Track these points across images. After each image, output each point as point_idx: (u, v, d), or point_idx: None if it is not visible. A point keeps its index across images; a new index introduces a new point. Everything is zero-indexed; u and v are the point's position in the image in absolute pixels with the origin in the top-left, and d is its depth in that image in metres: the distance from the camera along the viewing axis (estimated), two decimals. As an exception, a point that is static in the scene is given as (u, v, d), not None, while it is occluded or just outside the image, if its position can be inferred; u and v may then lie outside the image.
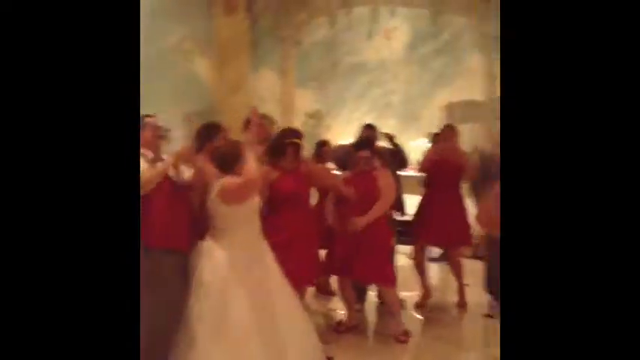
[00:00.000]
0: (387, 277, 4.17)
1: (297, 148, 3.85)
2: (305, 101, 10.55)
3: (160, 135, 3.52)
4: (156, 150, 3.42)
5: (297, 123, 10.48)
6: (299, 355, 3.14)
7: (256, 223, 3.27)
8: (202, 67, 9.44)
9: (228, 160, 3.17)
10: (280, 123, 10.41)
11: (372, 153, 4.23)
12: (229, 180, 3.13)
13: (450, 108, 9.96)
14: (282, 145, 3.81)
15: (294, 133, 3.96)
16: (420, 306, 5.11)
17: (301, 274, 3.65)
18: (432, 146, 5.44)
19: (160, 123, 3.52)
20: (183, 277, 3.11)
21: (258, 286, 3.11)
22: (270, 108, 10.55)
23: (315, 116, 10.40)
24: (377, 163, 4.23)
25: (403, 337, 4.11)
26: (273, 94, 10.44)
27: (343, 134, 9.25)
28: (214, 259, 3.07)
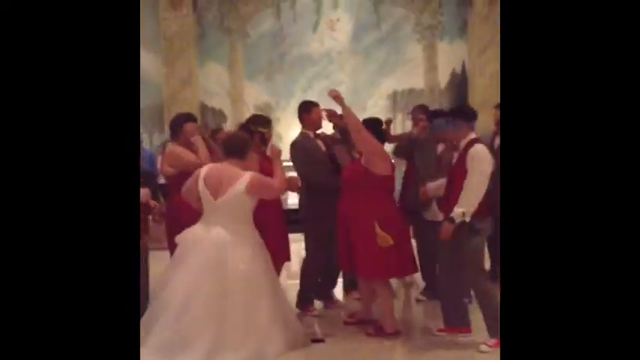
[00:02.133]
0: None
1: (263, 135, 4.14)
2: (254, 94, 10.67)
3: None
4: None
5: (247, 116, 10.57)
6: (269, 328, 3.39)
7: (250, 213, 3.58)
8: (150, 62, 9.45)
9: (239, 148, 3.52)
10: (230, 116, 10.57)
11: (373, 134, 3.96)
12: (259, 176, 3.46)
13: (395, 96, 10.30)
14: (251, 132, 4.09)
15: (259, 121, 4.25)
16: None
17: (278, 251, 4.02)
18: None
19: None
20: None
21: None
22: (219, 101, 10.65)
23: (265, 109, 10.53)
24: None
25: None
26: (222, 88, 10.53)
27: (292, 126, 9.42)
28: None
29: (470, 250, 3.60)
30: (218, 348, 3.25)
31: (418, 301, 4.81)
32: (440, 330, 3.92)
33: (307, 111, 4.51)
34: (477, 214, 3.53)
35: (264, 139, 4.19)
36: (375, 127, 4.06)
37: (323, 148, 4.54)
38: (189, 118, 4.25)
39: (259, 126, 4.17)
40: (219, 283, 3.32)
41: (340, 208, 3.99)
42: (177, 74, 9.70)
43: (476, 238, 3.59)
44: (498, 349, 3.39)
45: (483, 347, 3.59)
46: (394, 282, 5.04)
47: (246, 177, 3.38)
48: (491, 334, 3.59)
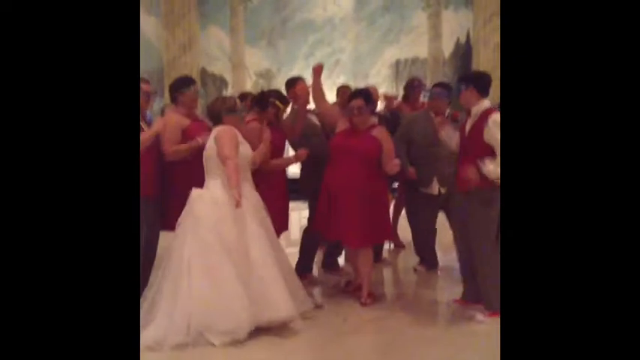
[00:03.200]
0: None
1: (277, 109, 4.12)
2: (255, 59, 10.58)
3: (147, 99, 3.96)
4: (142, 111, 3.86)
5: (248, 82, 10.53)
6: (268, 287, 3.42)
7: (248, 173, 3.64)
8: (150, 26, 9.33)
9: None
10: (230, 81, 10.49)
11: (366, 104, 4.01)
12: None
13: (397, 65, 10.21)
14: (266, 100, 4.07)
15: (280, 97, 4.22)
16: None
17: (277, 221, 3.98)
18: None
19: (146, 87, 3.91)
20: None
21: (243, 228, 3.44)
22: (220, 67, 10.56)
23: (266, 76, 10.47)
24: (373, 118, 4.08)
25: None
26: (223, 53, 10.43)
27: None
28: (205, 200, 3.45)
29: (482, 218, 3.54)
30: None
31: (415, 271, 4.86)
32: (456, 301, 3.96)
33: (293, 86, 4.47)
34: (492, 185, 3.46)
35: (277, 115, 4.18)
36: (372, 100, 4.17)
37: (317, 122, 4.57)
38: (185, 83, 4.12)
39: (278, 100, 4.15)
40: (218, 242, 3.33)
41: (348, 178, 3.99)
42: (177, 38, 9.57)
43: (490, 209, 3.56)
44: (493, 319, 3.44)
45: (479, 317, 3.62)
46: (385, 250, 5.35)
47: (217, 128, 3.51)
48: (488, 307, 3.60)
